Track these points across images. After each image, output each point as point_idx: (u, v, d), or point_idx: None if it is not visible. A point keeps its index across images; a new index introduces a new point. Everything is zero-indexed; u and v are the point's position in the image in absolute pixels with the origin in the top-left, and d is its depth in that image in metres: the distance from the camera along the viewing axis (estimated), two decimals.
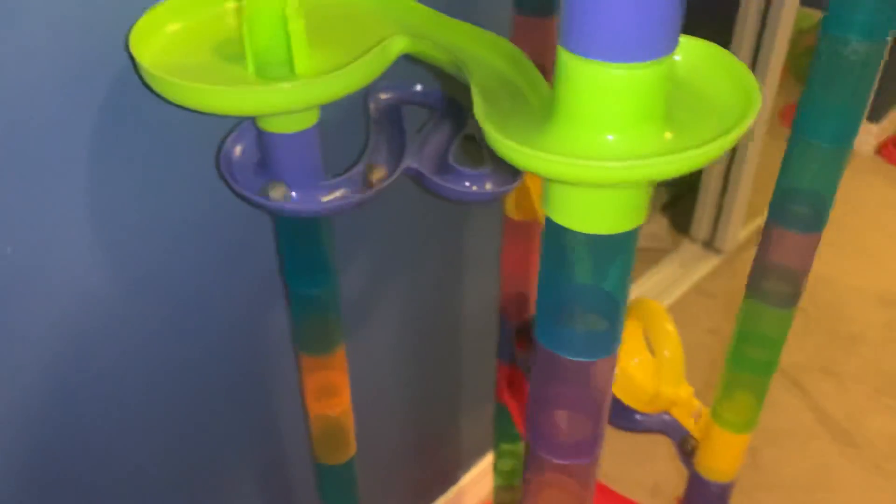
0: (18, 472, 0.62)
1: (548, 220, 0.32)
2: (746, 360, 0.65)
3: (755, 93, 0.31)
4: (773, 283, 0.61)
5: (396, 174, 0.59)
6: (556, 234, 0.32)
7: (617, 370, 0.78)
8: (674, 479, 1.34)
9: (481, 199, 0.65)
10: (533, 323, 0.91)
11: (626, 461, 1.34)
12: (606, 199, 0.31)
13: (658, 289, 1.72)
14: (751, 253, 1.84)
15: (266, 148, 0.54)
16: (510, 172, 0.68)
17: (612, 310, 0.35)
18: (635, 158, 0.28)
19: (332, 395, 0.71)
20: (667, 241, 1.84)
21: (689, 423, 0.73)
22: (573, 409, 0.39)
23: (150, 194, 0.58)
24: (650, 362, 0.75)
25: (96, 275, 0.57)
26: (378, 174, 0.59)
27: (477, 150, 0.70)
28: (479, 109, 0.33)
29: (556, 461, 0.41)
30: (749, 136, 1.63)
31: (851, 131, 0.52)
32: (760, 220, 1.84)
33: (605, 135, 0.29)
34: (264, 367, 0.76)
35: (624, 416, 0.79)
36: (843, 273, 1.76)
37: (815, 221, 0.56)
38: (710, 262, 1.79)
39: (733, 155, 1.67)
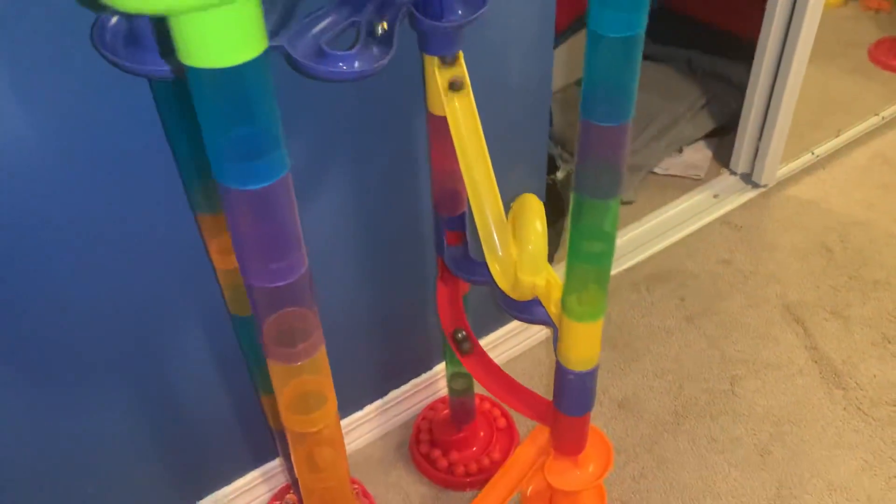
0: None
1: (185, 66, 0.39)
2: (582, 253, 0.69)
3: None
4: (593, 176, 0.63)
5: None
6: (192, 78, 0.39)
7: (504, 259, 0.83)
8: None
9: (349, 78, 0.70)
10: (460, 217, 0.97)
11: None
12: (214, 28, 0.36)
13: (685, 216, 1.70)
14: (790, 190, 1.80)
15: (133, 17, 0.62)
16: (379, 52, 0.73)
17: (265, 139, 0.41)
18: None
19: (230, 251, 0.81)
20: (704, 171, 1.80)
21: (552, 313, 0.78)
22: (262, 233, 0.45)
23: (61, 64, 0.69)
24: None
25: (23, 128, 0.69)
26: None
27: (357, 34, 0.76)
28: None
29: (268, 286, 0.48)
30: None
31: (636, 22, 0.54)
32: (803, 157, 1.77)
33: None
34: (182, 217, 0.86)
35: (514, 306, 0.84)
36: (887, 217, 1.67)
37: (619, 112, 0.58)
38: (745, 196, 1.74)
39: (773, 89, 1.60)
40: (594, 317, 0.73)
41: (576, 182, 0.66)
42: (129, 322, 0.91)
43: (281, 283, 0.48)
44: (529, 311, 0.83)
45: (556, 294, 0.77)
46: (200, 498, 1.17)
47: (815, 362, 1.39)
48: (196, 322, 0.97)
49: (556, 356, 0.80)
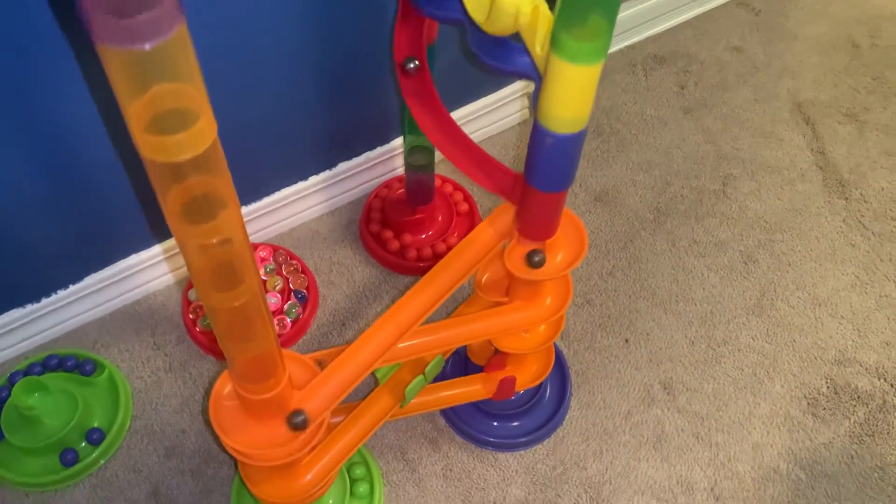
0: None
1: None
2: None
3: None
4: None
5: None
6: None
7: None
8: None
9: None
10: None
11: None
12: None
13: None
14: None
15: None
16: None
17: None
18: None
19: None
20: None
21: (536, 55, 0.59)
22: None
23: None
24: None
25: None
26: None
27: None
28: None
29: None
30: None
31: None
32: None
33: None
34: None
35: (488, 48, 0.65)
36: None
37: None
38: None
39: None
40: (592, 58, 0.55)
41: None
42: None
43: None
44: (507, 56, 0.64)
45: (545, 28, 0.58)
46: (106, 266, 1.03)
47: (820, 168, 1.24)
48: (70, 65, 0.78)
49: (533, 115, 0.62)
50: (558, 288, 0.82)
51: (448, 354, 0.94)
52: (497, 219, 0.77)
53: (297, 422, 0.67)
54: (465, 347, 1.01)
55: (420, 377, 0.83)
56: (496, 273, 0.83)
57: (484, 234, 0.77)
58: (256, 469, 0.78)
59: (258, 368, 0.62)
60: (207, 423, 0.99)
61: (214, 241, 0.47)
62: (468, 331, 0.80)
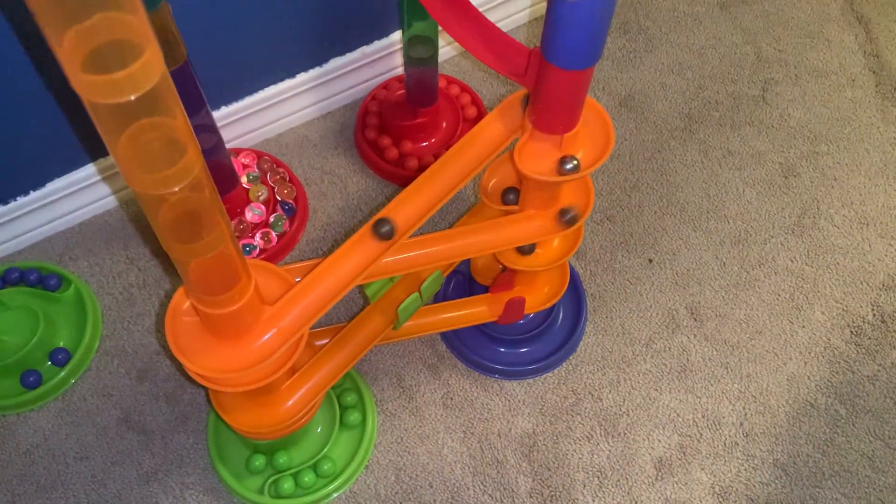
0: None
1: None
2: None
3: None
4: None
5: None
6: None
7: None
8: None
9: None
10: None
11: None
12: None
13: None
14: None
15: None
16: None
17: None
18: None
19: None
20: None
21: None
22: None
23: None
24: None
25: None
26: None
27: None
28: None
29: None
30: None
31: None
32: None
33: None
34: None
35: None
36: None
37: None
38: None
39: None
40: None
41: None
42: None
43: None
44: None
45: None
46: (71, 170, 0.92)
47: (873, 72, 1.10)
48: None
49: None
50: (576, 194, 0.70)
51: (448, 271, 0.84)
52: (507, 109, 0.65)
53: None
54: (468, 265, 0.90)
55: (414, 295, 0.73)
56: (506, 178, 0.72)
57: (491, 127, 0.65)
58: (228, 395, 0.69)
59: (214, 276, 0.52)
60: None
61: (132, 98, 0.35)
62: (470, 243, 0.69)
